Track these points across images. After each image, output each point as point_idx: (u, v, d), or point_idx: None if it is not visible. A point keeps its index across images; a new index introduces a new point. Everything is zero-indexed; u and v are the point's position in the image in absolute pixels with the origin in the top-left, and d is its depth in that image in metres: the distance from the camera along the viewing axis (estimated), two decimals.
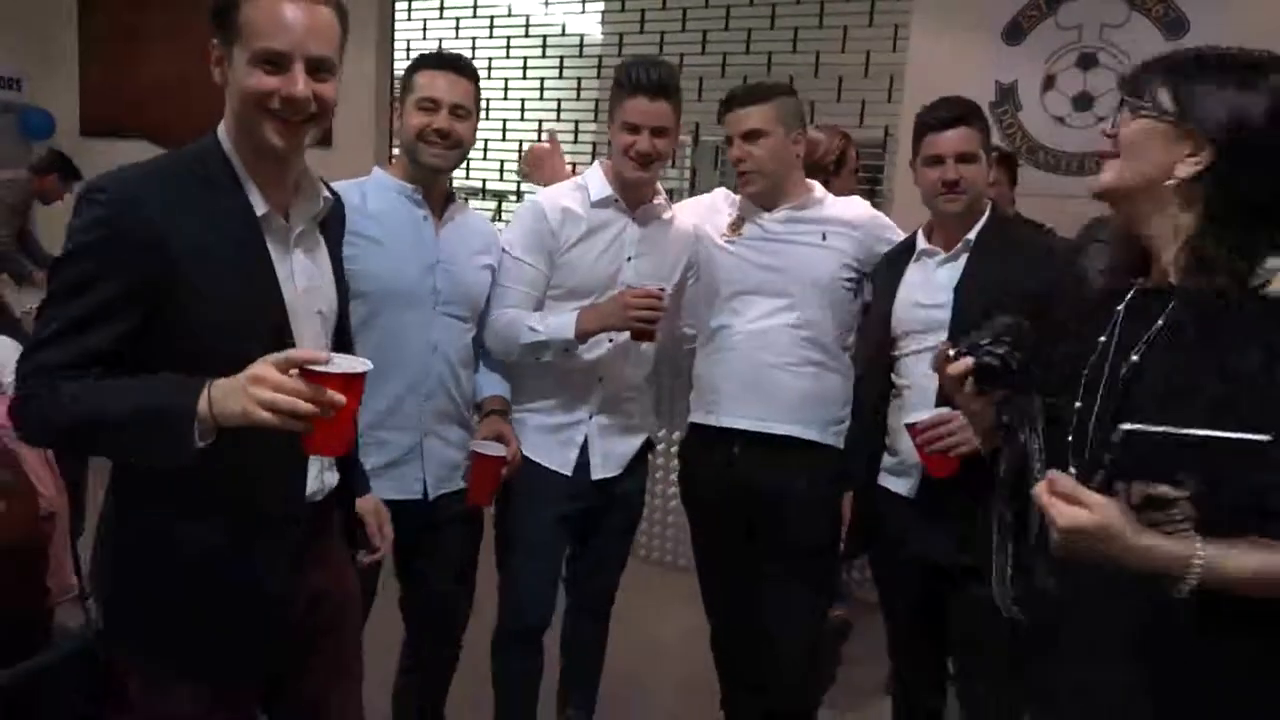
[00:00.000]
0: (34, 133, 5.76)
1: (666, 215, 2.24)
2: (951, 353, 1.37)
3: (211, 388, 1.19)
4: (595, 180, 2.16)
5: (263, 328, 1.33)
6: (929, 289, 2.04)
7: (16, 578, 1.67)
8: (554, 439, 2.18)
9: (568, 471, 2.18)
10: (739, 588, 2.33)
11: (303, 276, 1.42)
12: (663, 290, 2.05)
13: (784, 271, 2.20)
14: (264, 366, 1.16)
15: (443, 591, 2.19)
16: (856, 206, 2.31)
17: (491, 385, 2.17)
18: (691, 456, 2.39)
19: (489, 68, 4.67)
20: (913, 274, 2.08)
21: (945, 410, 1.91)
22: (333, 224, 1.53)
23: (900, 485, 2.08)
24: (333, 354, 1.23)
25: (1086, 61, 3.44)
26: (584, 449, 2.19)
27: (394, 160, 2.08)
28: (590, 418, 2.20)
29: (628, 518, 2.35)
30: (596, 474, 2.21)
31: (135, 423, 1.20)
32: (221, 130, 1.36)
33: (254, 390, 1.15)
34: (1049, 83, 3.49)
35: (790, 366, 2.19)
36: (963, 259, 2.02)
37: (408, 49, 4.83)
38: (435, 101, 1.97)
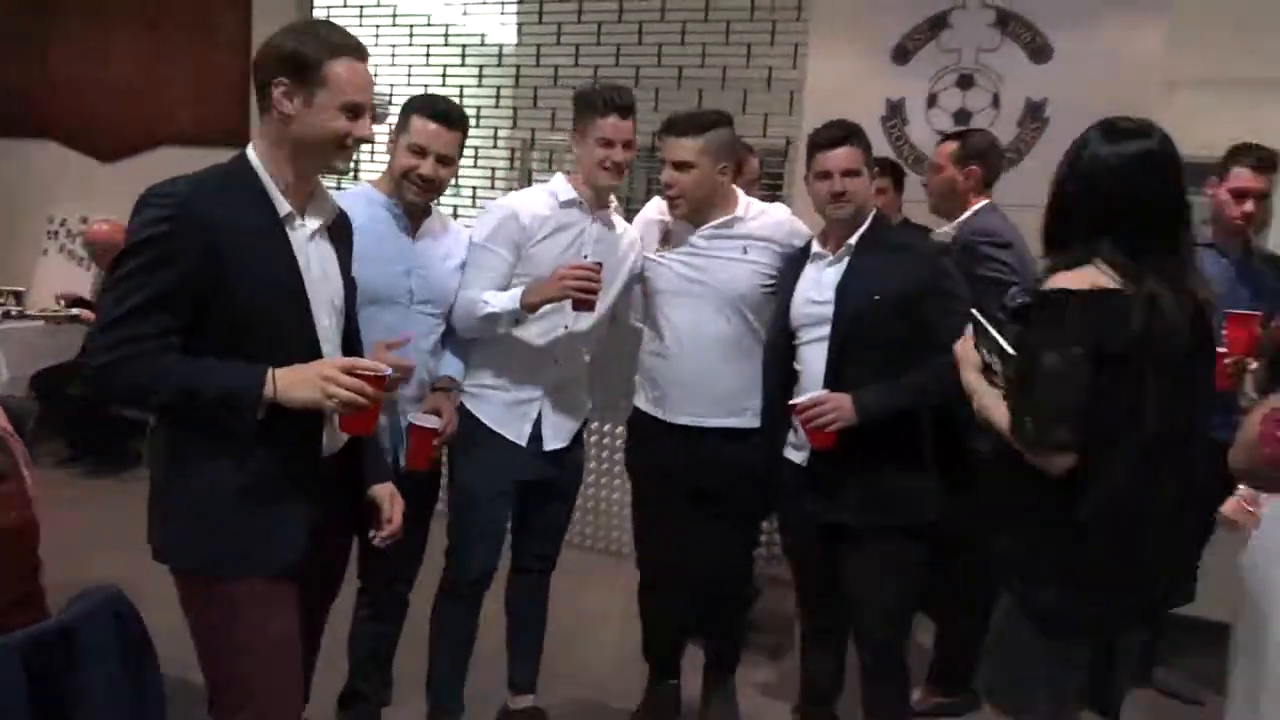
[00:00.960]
0: None
1: (619, 222, 2.51)
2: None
3: (276, 377, 1.56)
4: (561, 186, 2.41)
5: (289, 306, 1.65)
6: (819, 288, 2.30)
7: (16, 554, 1.77)
8: (512, 413, 2.42)
9: (523, 442, 2.43)
10: (678, 539, 2.59)
11: (317, 267, 1.72)
12: (598, 265, 2.28)
13: (707, 284, 2.47)
14: (333, 369, 1.58)
15: (395, 548, 2.37)
16: (775, 216, 2.56)
17: (447, 366, 2.41)
18: (639, 431, 2.64)
19: (408, 75, 4.81)
20: (807, 274, 2.35)
21: (822, 393, 2.19)
22: (341, 232, 1.83)
23: (798, 457, 2.34)
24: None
25: (965, 82, 3.78)
26: (537, 423, 2.44)
27: (381, 177, 2.34)
28: (543, 395, 2.44)
29: (573, 484, 2.62)
30: (549, 445, 2.46)
31: (217, 399, 1.56)
32: (252, 151, 1.68)
33: (326, 385, 1.56)
34: (932, 100, 3.83)
35: (720, 368, 2.47)
36: (844, 261, 2.28)
37: None
38: (424, 149, 2.21)
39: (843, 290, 2.24)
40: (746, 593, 3.00)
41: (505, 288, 2.35)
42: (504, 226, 2.36)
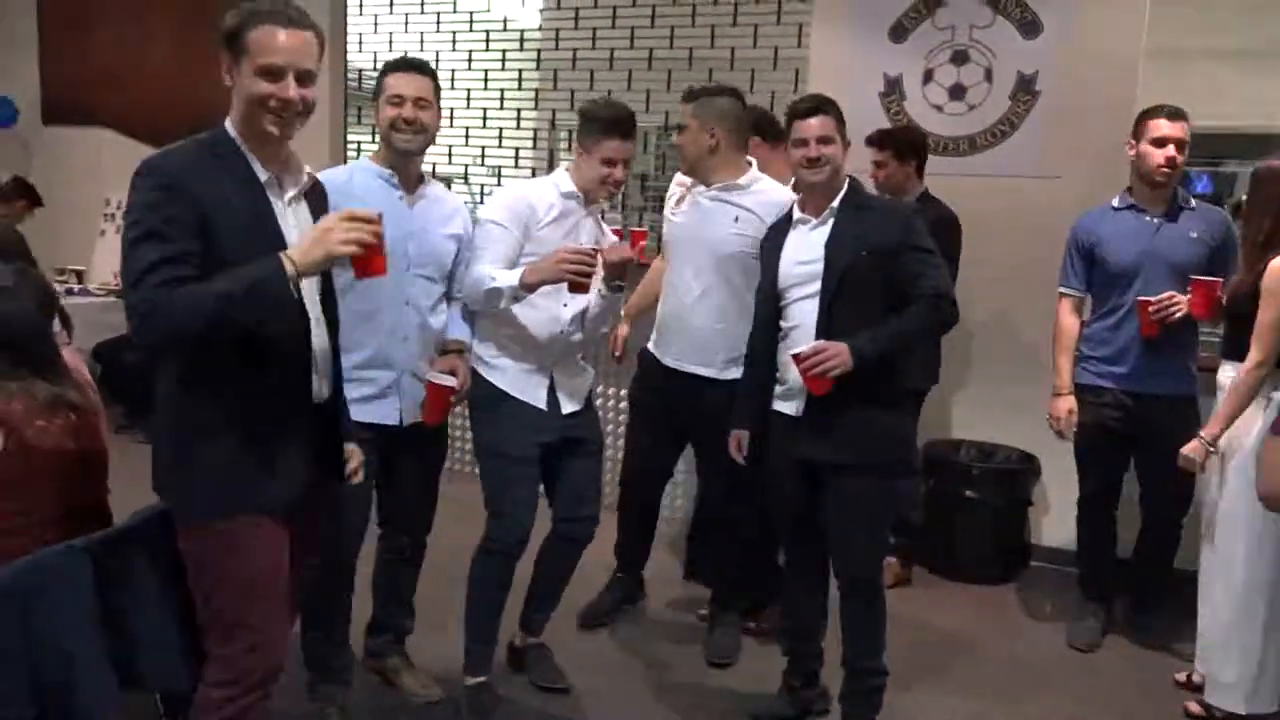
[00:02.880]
0: None
1: (607, 219, 2.83)
2: None
3: (287, 255, 1.68)
4: (563, 179, 2.67)
5: (267, 251, 1.72)
6: (807, 248, 2.51)
7: (86, 476, 2.10)
8: (528, 380, 2.65)
9: (543, 405, 2.65)
10: (650, 461, 3.20)
11: (294, 230, 1.84)
12: (596, 250, 2.53)
13: (699, 239, 2.84)
14: (330, 222, 1.70)
15: (412, 498, 2.70)
16: (775, 197, 2.84)
17: (457, 330, 2.65)
18: (642, 365, 3.13)
19: (436, 60, 5.06)
20: (792, 239, 2.57)
21: (822, 342, 2.40)
22: (316, 199, 1.96)
23: (788, 407, 2.55)
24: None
25: (959, 58, 3.98)
26: (551, 388, 2.67)
27: (376, 152, 2.58)
28: (551, 365, 2.66)
29: (597, 441, 2.85)
30: (565, 408, 2.69)
31: (250, 296, 1.66)
32: (228, 122, 1.80)
33: (330, 236, 1.68)
34: (928, 76, 4.03)
35: (701, 320, 2.87)
36: (830, 223, 2.50)
37: (360, 43, 5.23)
38: (401, 97, 2.45)
39: (831, 248, 2.46)
40: (736, 543, 3.18)
41: (514, 263, 2.56)
42: (515, 206, 2.60)
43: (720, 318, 2.86)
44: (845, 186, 2.53)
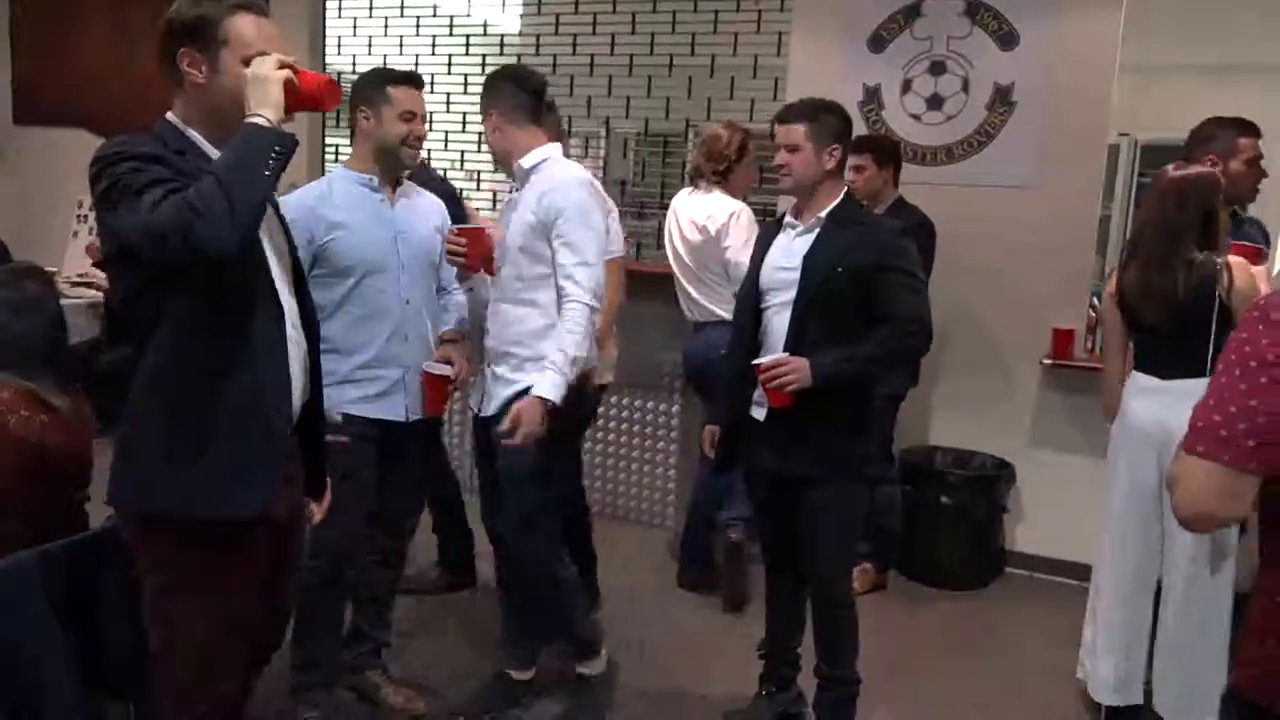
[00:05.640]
0: None
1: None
2: None
3: (250, 112, 1.59)
4: None
5: (250, 255, 1.68)
6: (788, 255, 2.48)
7: (59, 477, 2.08)
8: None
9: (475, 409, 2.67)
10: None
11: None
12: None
13: None
14: (258, 65, 1.61)
15: (403, 501, 2.70)
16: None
17: (451, 320, 2.67)
18: None
19: (415, 63, 5.04)
20: (779, 242, 2.54)
21: (783, 355, 2.36)
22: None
23: (759, 413, 2.53)
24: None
25: (937, 68, 4.01)
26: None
27: (350, 158, 2.60)
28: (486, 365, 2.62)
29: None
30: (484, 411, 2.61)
31: (253, 154, 1.57)
32: (173, 116, 1.72)
33: (261, 71, 1.59)
34: (906, 86, 4.06)
35: None
36: (814, 233, 2.46)
37: (339, 46, 5.20)
38: (413, 113, 2.50)
39: (809, 260, 2.42)
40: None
41: None
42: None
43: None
44: (840, 198, 2.48)
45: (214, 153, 1.70)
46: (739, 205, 3.49)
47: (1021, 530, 4.06)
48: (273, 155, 1.59)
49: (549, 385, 2.35)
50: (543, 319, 2.49)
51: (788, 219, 2.56)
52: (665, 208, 3.62)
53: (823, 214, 2.46)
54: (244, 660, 1.85)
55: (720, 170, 3.53)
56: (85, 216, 5.77)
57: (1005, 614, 3.69)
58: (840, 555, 2.58)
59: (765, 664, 2.80)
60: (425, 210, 2.65)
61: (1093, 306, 3.84)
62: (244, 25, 1.68)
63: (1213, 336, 2.52)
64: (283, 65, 1.63)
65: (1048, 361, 3.85)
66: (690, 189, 3.65)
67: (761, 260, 2.56)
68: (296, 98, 1.64)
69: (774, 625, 2.77)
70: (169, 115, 1.74)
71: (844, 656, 2.58)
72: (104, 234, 1.65)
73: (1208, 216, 2.58)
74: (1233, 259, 2.57)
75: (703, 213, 3.50)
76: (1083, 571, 2.86)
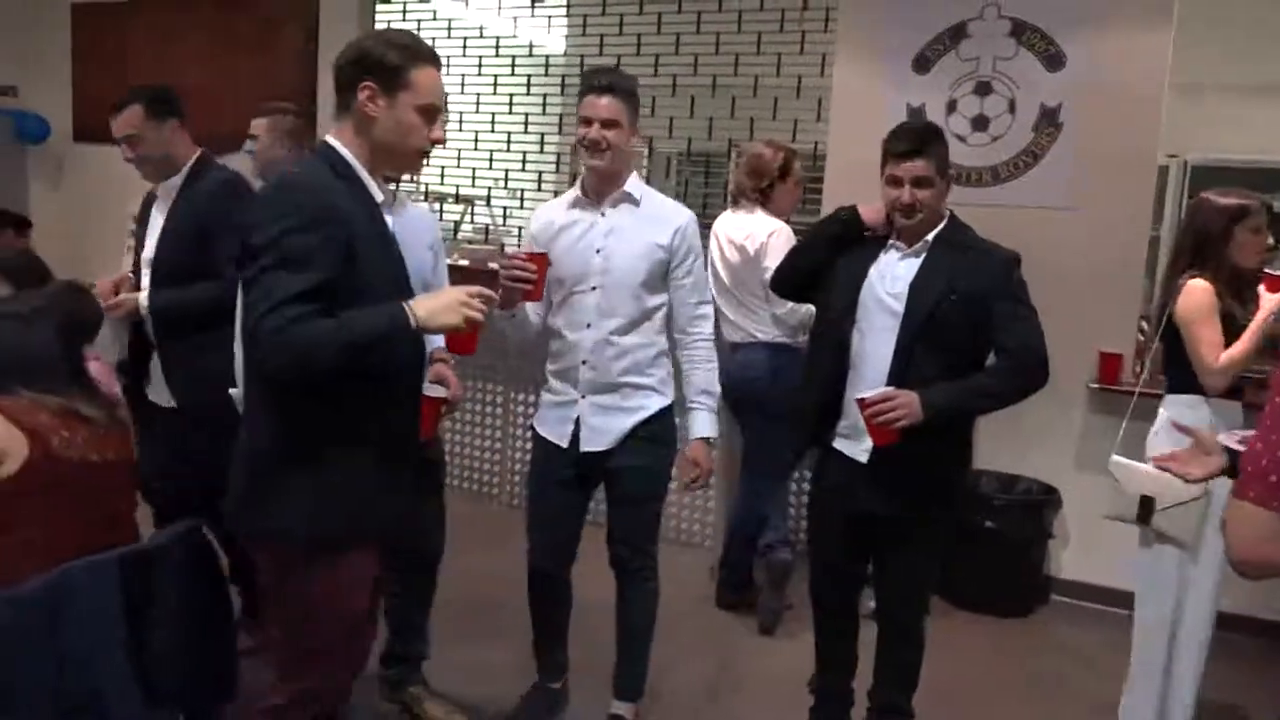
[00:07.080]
0: (29, 137, 6.10)
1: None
2: None
3: (411, 308, 1.71)
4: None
5: (396, 283, 1.85)
6: (891, 279, 2.34)
7: (108, 490, 2.12)
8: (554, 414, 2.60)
9: (564, 443, 2.55)
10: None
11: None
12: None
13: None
14: (464, 294, 1.75)
15: (428, 515, 2.70)
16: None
17: (438, 339, 2.56)
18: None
19: (461, 84, 5.13)
20: (880, 263, 2.37)
21: (891, 389, 2.21)
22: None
23: (852, 449, 2.37)
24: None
25: (983, 89, 3.99)
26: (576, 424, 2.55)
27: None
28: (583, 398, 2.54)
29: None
30: (585, 446, 2.54)
31: (378, 339, 1.71)
32: (335, 140, 1.83)
33: (465, 308, 1.73)
34: (951, 106, 4.04)
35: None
36: (921, 256, 2.33)
37: None
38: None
39: (917, 285, 2.28)
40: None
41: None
42: None
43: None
44: (945, 221, 2.37)
45: (370, 182, 1.83)
46: (779, 224, 3.48)
47: (1067, 556, 3.99)
48: (390, 358, 1.77)
49: (708, 424, 2.52)
50: (655, 348, 2.54)
51: (892, 239, 2.40)
52: (708, 227, 3.61)
53: (930, 236, 2.34)
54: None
55: (762, 188, 3.53)
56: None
57: (1049, 642, 3.63)
58: (926, 592, 2.53)
59: (816, 697, 2.70)
60: (421, 226, 2.58)
61: (1141, 330, 3.77)
62: (427, 77, 1.82)
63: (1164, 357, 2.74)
64: (483, 306, 1.76)
65: (1095, 385, 3.79)
66: (732, 209, 3.66)
67: (854, 283, 2.39)
68: (457, 333, 1.80)
69: (831, 664, 2.65)
70: (330, 139, 1.83)
71: (909, 691, 2.52)
72: (248, 269, 1.72)
73: (1203, 240, 2.65)
74: (1193, 283, 2.62)
75: (742, 232, 3.50)
76: (1128, 599, 2.80)
